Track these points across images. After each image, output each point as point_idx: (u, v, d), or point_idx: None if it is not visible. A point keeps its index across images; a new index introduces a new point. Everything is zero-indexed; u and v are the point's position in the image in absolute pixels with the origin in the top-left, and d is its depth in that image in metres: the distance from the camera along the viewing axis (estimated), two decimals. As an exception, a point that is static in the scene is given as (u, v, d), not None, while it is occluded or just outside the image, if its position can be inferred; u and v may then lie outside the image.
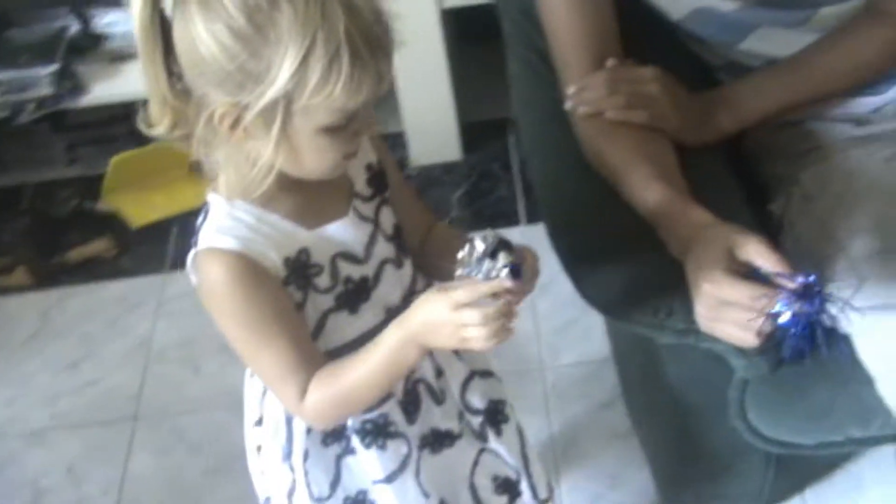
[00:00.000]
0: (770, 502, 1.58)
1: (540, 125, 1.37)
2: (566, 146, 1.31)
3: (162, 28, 0.88)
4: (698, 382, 1.35)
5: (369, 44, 0.85)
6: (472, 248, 0.92)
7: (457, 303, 0.89)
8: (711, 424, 1.40)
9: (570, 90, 1.28)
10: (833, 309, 0.97)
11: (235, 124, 0.89)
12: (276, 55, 0.84)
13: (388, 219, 1.06)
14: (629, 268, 1.18)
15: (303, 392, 0.98)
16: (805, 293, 0.96)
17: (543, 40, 1.38)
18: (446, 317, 0.90)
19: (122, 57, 2.18)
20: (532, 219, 2.11)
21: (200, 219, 0.99)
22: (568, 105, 1.28)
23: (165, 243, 2.19)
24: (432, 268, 1.10)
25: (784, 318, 0.97)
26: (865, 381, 1.19)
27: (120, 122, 2.36)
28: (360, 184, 1.04)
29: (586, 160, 1.28)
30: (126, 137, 2.36)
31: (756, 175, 1.43)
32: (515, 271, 0.92)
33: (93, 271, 2.16)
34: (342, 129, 0.90)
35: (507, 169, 2.24)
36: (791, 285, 0.96)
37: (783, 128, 1.38)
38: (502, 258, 0.92)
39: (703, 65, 1.44)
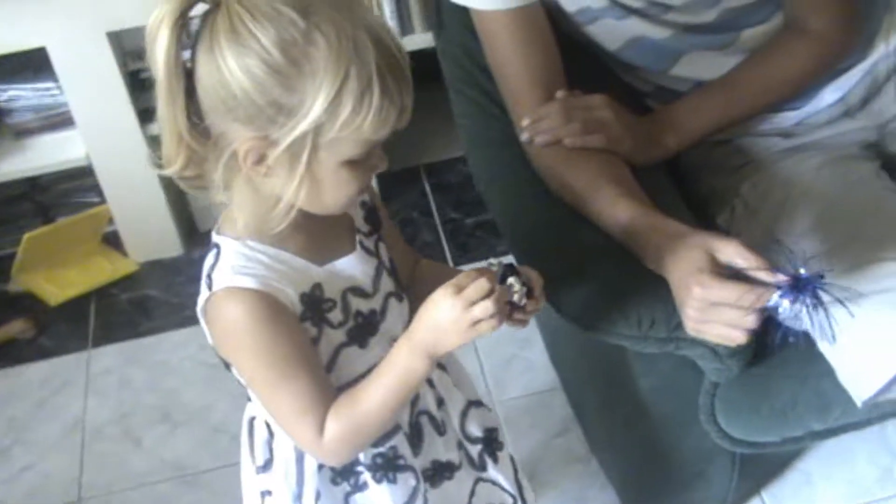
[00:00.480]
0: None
1: (494, 160, 1.41)
2: (524, 177, 1.36)
3: (184, 66, 0.88)
4: (670, 392, 1.40)
5: (395, 77, 0.88)
6: None
7: (457, 285, 0.93)
8: (681, 434, 1.45)
9: (525, 122, 1.32)
10: (825, 297, 1.02)
11: (259, 161, 0.89)
12: (310, 89, 0.85)
13: (385, 254, 1.08)
14: (606, 284, 1.22)
15: (321, 426, 0.98)
16: (797, 284, 1.01)
17: (489, 80, 1.43)
18: (455, 310, 0.92)
19: (25, 131, 2.13)
20: (458, 261, 2.15)
21: (211, 261, 0.98)
22: (525, 137, 1.32)
23: (86, 319, 2.14)
24: (421, 302, 1.12)
25: (783, 305, 1.02)
26: (825, 373, 1.25)
27: (22, 200, 2.30)
28: (359, 220, 1.06)
29: (547, 188, 1.32)
30: (30, 215, 2.30)
31: (693, 191, 1.50)
32: (529, 292, 0.97)
33: (12, 354, 2.08)
34: (362, 163, 0.92)
35: (428, 215, 2.28)
36: (782, 278, 1.02)
37: (716, 146, 1.46)
38: (515, 282, 0.97)
39: (633, 92, 1.51)
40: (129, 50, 2.09)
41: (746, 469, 1.52)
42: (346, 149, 0.90)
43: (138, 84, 2.08)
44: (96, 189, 2.19)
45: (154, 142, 2.13)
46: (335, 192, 0.93)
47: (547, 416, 1.85)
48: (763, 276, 1.05)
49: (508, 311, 0.97)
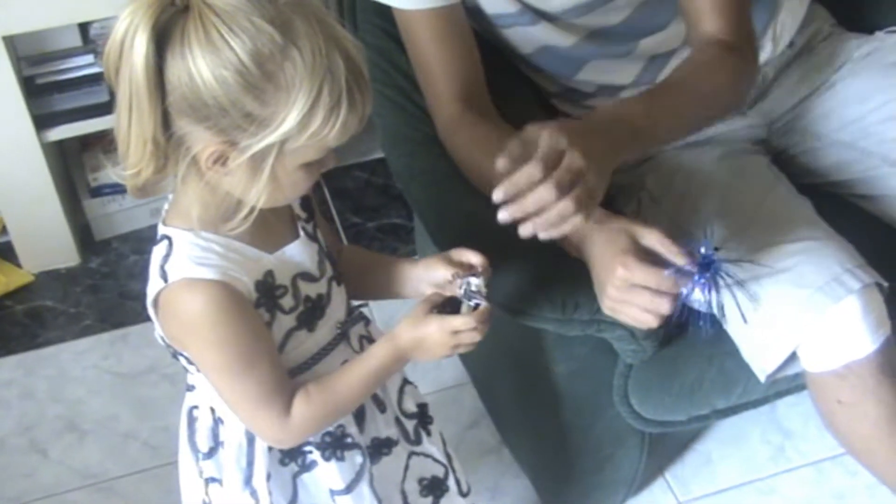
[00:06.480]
0: (640, 486, 1.72)
1: (413, 156, 1.46)
2: (445, 172, 1.40)
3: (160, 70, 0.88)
4: (585, 376, 1.47)
5: (360, 90, 0.91)
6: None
7: (453, 327, 1.05)
8: (594, 418, 1.53)
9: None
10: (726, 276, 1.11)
11: (221, 163, 0.91)
12: (283, 103, 0.88)
13: (322, 238, 1.11)
14: (531, 271, 1.28)
15: (286, 409, 1.02)
16: (704, 265, 1.09)
17: (405, 79, 1.48)
18: (442, 338, 1.04)
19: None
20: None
21: (163, 252, 0.98)
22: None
23: (-20, 331, 2.08)
24: (352, 286, 1.17)
25: (696, 294, 1.10)
26: (729, 353, 1.34)
27: None
28: (297, 207, 1.09)
29: (468, 180, 1.37)
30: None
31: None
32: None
33: None
34: (317, 162, 0.96)
35: (329, 220, 2.29)
36: (693, 269, 1.09)
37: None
38: (480, 285, 1.10)
39: (539, 91, 1.58)
40: (24, 55, 2.06)
41: (652, 451, 1.60)
42: (309, 154, 0.93)
43: (34, 90, 2.05)
44: (-12, 199, 2.14)
45: (49, 149, 2.10)
46: (291, 190, 0.97)
47: (457, 409, 1.90)
48: (681, 262, 1.12)
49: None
